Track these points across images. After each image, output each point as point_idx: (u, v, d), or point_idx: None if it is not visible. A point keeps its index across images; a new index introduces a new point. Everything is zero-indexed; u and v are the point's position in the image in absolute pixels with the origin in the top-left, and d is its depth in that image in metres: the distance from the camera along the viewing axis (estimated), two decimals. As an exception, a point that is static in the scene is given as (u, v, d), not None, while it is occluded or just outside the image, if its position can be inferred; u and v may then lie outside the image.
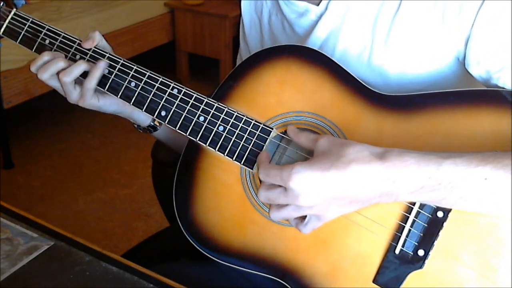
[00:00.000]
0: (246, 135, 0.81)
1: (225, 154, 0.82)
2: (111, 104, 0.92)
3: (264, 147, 0.80)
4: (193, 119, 0.84)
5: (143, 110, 0.86)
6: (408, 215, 0.73)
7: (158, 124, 0.98)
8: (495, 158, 0.64)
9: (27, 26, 0.94)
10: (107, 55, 0.89)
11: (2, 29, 0.96)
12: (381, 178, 0.65)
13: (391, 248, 0.74)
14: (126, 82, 0.87)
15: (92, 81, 0.86)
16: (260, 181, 0.81)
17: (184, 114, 0.84)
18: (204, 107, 0.83)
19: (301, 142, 0.75)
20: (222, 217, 0.83)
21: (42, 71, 0.87)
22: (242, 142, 0.81)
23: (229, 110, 0.82)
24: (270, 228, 0.80)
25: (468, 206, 0.66)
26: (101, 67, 0.87)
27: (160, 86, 0.86)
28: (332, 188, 0.66)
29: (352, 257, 0.76)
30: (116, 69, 0.88)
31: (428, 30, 0.79)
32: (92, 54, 0.90)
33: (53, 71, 0.87)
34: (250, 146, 0.81)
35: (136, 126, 0.99)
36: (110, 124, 2.99)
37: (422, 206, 0.73)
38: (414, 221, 0.73)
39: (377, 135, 0.76)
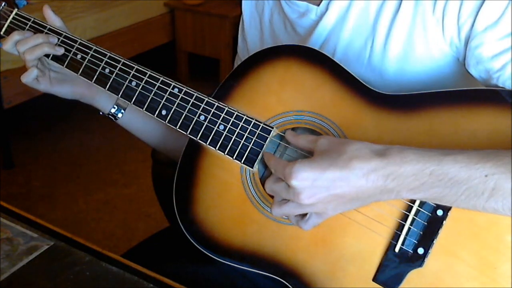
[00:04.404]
0: (246, 134, 0.81)
1: (225, 153, 0.82)
2: (66, 93, 0.98)
3: (265, 146, 0.80)
4: (193, 118, 0.84)
5: (144, 109, 0.86)
6: (408, 213, 0.73)
7: (117, 115, 1.01)
8: (495, 155, 0.64)
9: (28, 26, 0.95)
10: (109, 54, 0.89)
11: (4, 29, 0.96)
12: (381, 175, 0.65)
13: (391, 246, 0.74)
14: (127, 82, 0.88)
15: (34, 52, 0.90)
16: (261, 180, 0.81)
17: (185, 113, 0.84)
18: (205, 106, 0.83)
19: (300, 144, 0.75)
20: (222, 216, 0.83)
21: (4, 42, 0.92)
22: (242, 141, 0.81)
23: (229, 109, 0.82)
24: (270, 227, 0.80)
25: (468, 204, 0.66)
26: (52, 42, 0.91)
27: (161, 86, 0.86)
28: (333, 186, 0.66)
29: (352, 255, 0.76)
30: (117, 68, 0.89)
31: (428, 30, 0.79)
32: (93, 53, 0.90)
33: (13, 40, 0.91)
34: (250, 145, 0.81)
35: (101, 113, 1.02)
36: (110, 124, 2.96)
37: (422, 204, 0.73)
38: (414, 219, 0.73)
39: (377, 134, 0.76)
